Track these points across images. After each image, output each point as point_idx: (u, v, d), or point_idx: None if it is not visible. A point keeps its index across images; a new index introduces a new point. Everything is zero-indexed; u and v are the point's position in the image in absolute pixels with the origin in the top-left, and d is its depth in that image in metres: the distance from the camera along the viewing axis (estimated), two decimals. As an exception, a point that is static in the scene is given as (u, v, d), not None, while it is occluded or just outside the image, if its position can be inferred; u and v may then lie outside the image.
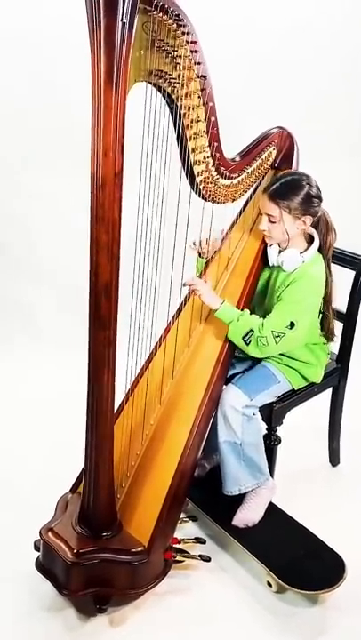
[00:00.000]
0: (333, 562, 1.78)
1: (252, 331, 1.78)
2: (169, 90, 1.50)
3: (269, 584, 1.80)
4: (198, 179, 1.70)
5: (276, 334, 1.78)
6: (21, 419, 2.58)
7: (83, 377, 1.58)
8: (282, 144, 2.01)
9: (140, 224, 1.56)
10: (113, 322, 1.50)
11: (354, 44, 3.20)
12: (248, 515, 1.90)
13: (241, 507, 1.91)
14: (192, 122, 1.60)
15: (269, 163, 2.01)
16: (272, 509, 1.96)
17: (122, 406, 1.88)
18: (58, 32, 2.97)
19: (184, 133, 1.59)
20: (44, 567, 1.72)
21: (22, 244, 3.36)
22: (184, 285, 1.83)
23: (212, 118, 1.64)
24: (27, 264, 3.35)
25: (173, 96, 1.52)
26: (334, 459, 2.35)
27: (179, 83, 1.50)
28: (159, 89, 1.49)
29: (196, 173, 1.69)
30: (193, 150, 1.64)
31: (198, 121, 1.61)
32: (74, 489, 1.87)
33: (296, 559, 1.80)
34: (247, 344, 1.80)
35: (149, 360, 1.94)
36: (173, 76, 1.48)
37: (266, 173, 2.05)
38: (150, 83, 1.46)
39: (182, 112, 1.56)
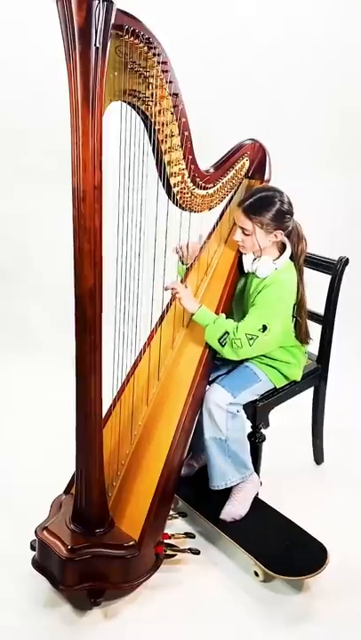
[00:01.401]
0: (316, 549, 1.87)
1: (227, 333, 1.88)
2: (143, 108, 1.61)
3: (256, 574, 1.89)
4: (175, 189, 1.82)
5: (250, 337, 1.89)
6: (15, 427, 2.67)
7: (74, 386, 1.67)
8: (254, 155, 2.14)
9: (121, 233, 1.67)
10: (98, 326, 1.60)
11: (329, 61, 3.35)
12: (235, 509, 1.98)
13: (228, 501, 2.00)
14: (166, 137, 1.71)
15: (243, 173, 2.13)
16: (258, 504, 2.05)
17: (110, 408, 1.97)
18: (45, 56, 3.10)
19: (159, 147, 1.71)
20: (40, 565, 1.80)
21: (17, 259, 3.49)
22: (166, 289, 1.93)
23: (186, 133, 1.76)
24: (21, 279, 3.47)
25: (147, 113, 1.63)
26: (318, 457, 2.44)
27: (152, 101, 1.62)
28: (133, 107, 1.60)
29: (172, 184, 1.80)
30: (169, 163, 1.75)
31: (172, 135, 1.73)
32: (67, 490, 1.95)
33: (280, 548, 1.89)
34: (223, 346, 1.90)
35: (135, 363, 2.04)
36: (147, 95, 1.60)
37: (240, 183, 2.17)
38: (125, 102, 1.58)
39: (157, 128, 1.67)
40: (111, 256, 1.66)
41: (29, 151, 3.40)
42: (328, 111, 3.42)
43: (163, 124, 1.69)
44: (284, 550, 1.88)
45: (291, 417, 2.44)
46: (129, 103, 1.59)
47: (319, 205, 2.96)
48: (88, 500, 1.76)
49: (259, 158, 2.15)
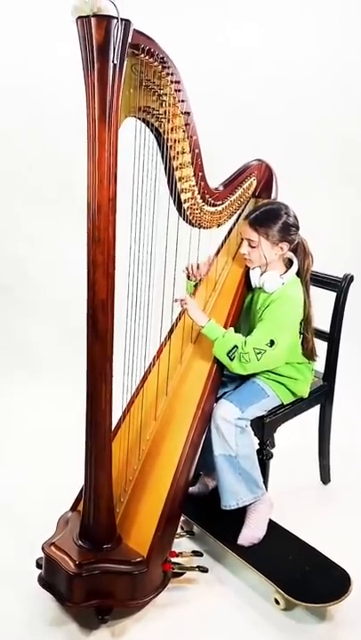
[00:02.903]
0: (338, 575, 1.85)
1: (235, 347, 1.91)
2: (156, 124, 1.67)
3: (277, 601, 1.85)
4: (185, 205, 1.87)
5: (258, 351, 1.91)
6: (18, 444, 2.67)
7: (80, 409, 1.69)
8: (261, 175, 2.20)
9: (133, 247, 1.71)
10: (110, 337, 1.63)
11: (333, 82, 3.45)
12: (252, 532, 1.98)
13: (244, 526, 1.99)
14: (178, 153, 1.77)
15: (250, 192, 2.19)
16: (272, 526, 2.04)
17: (119, 422, 1.98)
18: (56, 85, 3.21)
19: (171, 164, 1.76)
20: (46, 582, 1.79)
21: (23, 284, 3.53)
22: (175, 301, 1.97)
23: (196, 150, 1.82)
24: (27, 303, 3.51)
25: (160, 130, 1.69)
26: (325, 477, 2.44)
27: (165, 118, 1.67)
28: (147, 124, 1.66)
29: (183, 200, 1.85)
30: (180, 179, 1.81)
31: (184, 152, 1.78)
32: (73, 507, 1.95)
33: (301, 574, 1.86)
34: (231, 360, 1.92)
35: (144, 378, 2.05)
36: (160, 112, 1.66)
37: (248, 201, 2.23)
38: (139, 118, 1.63)
39: (169, 144, 1.73)
40: (122, 270, 1.69)
41: (30, 171, 3.47)
42: (333, 131, 3.50)
43: (175, 141, 1.75)
44: (304, 575, 1.86)
45: (297, 436, 2.46)
46: (143, 120, 1.65)
47: (324, 223, 3.02)
48: (96, 514, 1.75)
49: (266, 178, 2.21)
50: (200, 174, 1.86)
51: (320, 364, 2.28)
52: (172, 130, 1.72)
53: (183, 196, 1.85)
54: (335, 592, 1.80)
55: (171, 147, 1.74)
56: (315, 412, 2.32)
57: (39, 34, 3.25)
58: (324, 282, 2.26)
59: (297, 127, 3.45)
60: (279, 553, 1.95)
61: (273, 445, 2.21)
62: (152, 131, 1.69)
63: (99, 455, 1.71)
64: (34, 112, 3.39)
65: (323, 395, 2.29)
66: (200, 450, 1.94)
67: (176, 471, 1.84)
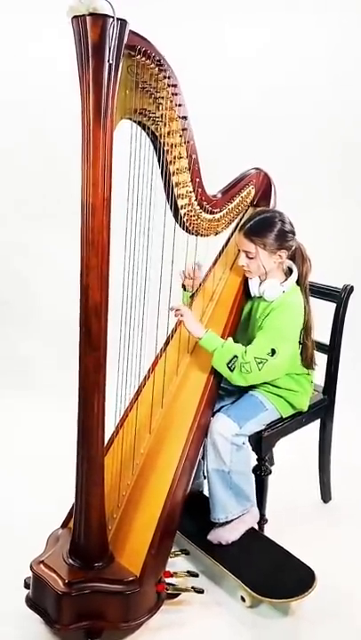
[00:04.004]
0: (304, 573, 1.85)
1: (235, 357, 1.87)
2: (153, 127, 1.65)
3: (243, 599, 1.86)
4: (182, 211, 1.84)
5: (259, 360, 1.87)
6: (12, 463, 2.60)
7: (72, 421, 1.65)
8: (260, 184, 2.18)
9: (128, 253, 1.68)
10: (103, 344, 1.59)
11: (333, 92, 3.46)
12: (224, 533, 1.95)
13: (222, 525, 1.96)
14: (175, 158, 1.75)
15: (249, 200, 2.17)
16: (263, 540, 2.00)
17: (112, 436, 1.93)
18: (54, 98, 3.20)
19: (168, 169, 1.74)
20: (34, 603, 1.72)
21: (21, 300, 3.50)
22: (171, 309, 1.93)
23: (194, 156, 1.80)
24: (25, 319, 3.48)
25: (157, 134, 1.67)
26: (326, 495, 2.38)
27: (161, 121, 1.65)
28: (143, 127, 1.64)
29: (180, 206, 1.82)
30: (177, 185, 1.78)
31: (181, 157, 1.76)
32: (64, 524, 1.89)
33: (267, 572, 1.87)
34: (231, 370, 1.88)
35: (139, 389, 2.01)
36: (157, 115, 1.64)
37: (246, 210, 2.20)
38: (135, 121, 1.61)
39: (166, 149, 1.71)
40: (117, 277, 1.66)
41: (30, 189, 3.46)
42: (333, 140, 3.50)
43: (172, 146, 1.73)
44: (270, 574, 1.86)
45: (297, 452, 2.42)
46: (139, 123, 1.63)
47: (323, 234, 2.99)
48: (87, 531, 1.70)
49: (264, 187, 2.20)
50: (197, 180, 1.84)
51: (320, 377, 2.24)
52: (168, 134, 1.70)
53: (180, 202, 1.82)
54: (298, 588, 1.81)
55: (167, 151, 1.72)
56: (315, 426, 2.26)
57: (35, 45, 3.26)
58: (323, 293, 2.23)
59: (297, 136, 3.45)
60: (251, 554, 1.94)
61: (272, 462, 2.16)
62: (148, 134, 1.67)
63: (90, 469, 1.65)
64: (33, 126, 3.39)
65: (323, 409, 2.24)
66: (196, 464, 1.89)
67: (171, 486, 1.79)
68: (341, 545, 2.15)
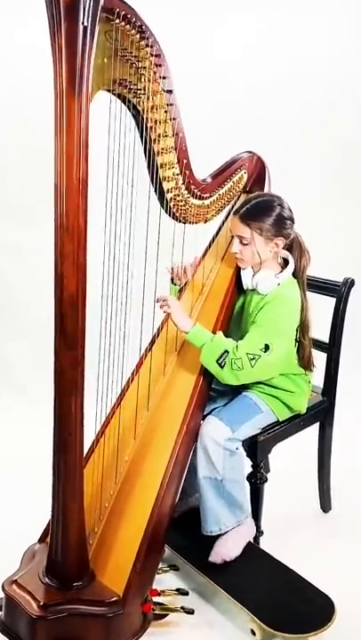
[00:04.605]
0: (322, 602, 1.69)
1: (226, 352, 1.74)
2: (134, 101, 1.53)
3: (253, 632, 1.68)
4: (168, 196, 1.71)
5: (252, 356, 1.75)
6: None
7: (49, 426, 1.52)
8: (253, 168, 2.06)
9: (108, 242, 1.56)
10: (80, 340, 1.46)
11: (333, 87, 3.35)
12: (225, 549, 1.81)
13: (218, 542, 1.82)
14: (160, 136, 1.62)
15: (241, 186, 2.04)
16: (255, 552, 1.87)
17: (93, 443, 1.80)
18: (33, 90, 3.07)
19: (151, 148, 1.61)
20: (5, 627, 1.59)
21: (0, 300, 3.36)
22: (157, 301, 1.80)
23: (180, 134, 1.67)
24: (5, 320, 3.34)
25: (139, 108, 1.55)
26: (325, 504, 2.27)
27: (144, 94, 1.53)
28: (124, 100, 1.51)
29: (165, 190, 1.70)
30: (162, 166, 1.66)
31: (166, 136, 1.64)
32: (42, 539, 1.76)
33: (281, 602, 1.71)
34: (221, 367, 1.75)
35: (122, 391, 1.88)
36: (139, 88, 1.51)
37: (238, 196, 2.08)
38: (114, 93, 1.49)
39: (149, 125, 1.58)
40: (96, 268, 1.53)
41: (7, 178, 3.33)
42: (332, 132, 3.40)
43: (156, 122, 1.60)
44: (285, 604, 1.70)
45: (294, 458, 2.30)
46: (119, 96, 1.50)
47: (321, 225, 2.87)
48: (65, 547, 1.57)
49: (257, 172, 2.07)
50: (185, 161, 1.71)
51: (319, 378, 2.12)
52: (152, 109, 1.58)
53: (166, 186, 1.70)
54: (318, 620, 1.64)
55: (151, 128, 1.59)
56: (313, 430, 2.14)
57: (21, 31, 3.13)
58: (322, 287, 2.12)
59: (294, 129, 3.33)
60: (259, 579, 1.79)
61: (268, 470, 2.04)
62: (129, 108, 1.54)
63: (68, 479, 1.52)
64: (13, 116, 3.25)
65: (322, 411, 2.12)
66: (185, 470, 1.76)
67: (158, 495, 1.66)
68: (344, 560, 2.03)
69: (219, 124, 3.14)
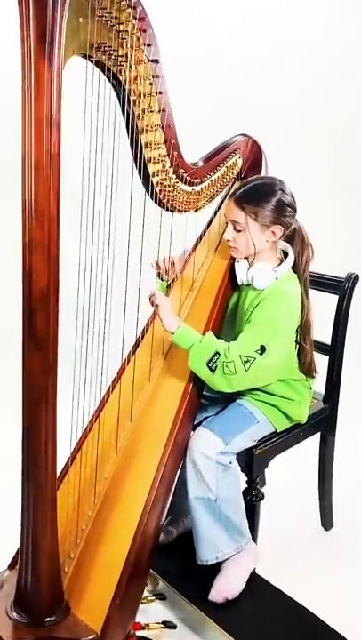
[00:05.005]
0: None
1: (217, 354, 1.58)
2: (115, 70, 1.36)
3: None
4: (154, 180, 1.55)
5: (246, 359, 1.58)
6: None
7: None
8: (248, 153, 1.91)
9: (84, 232, 1.40)
10: (52, 341, 1.29)
11: (331, 70, 3.22)
12: (227, 586, 1.64)
13: (218, 577, 1.65)
14: (144, 112, 1.46)
15: (235, 172, 1.89)
16: (256, 582, 1.71)
17: (68, 459, 1.63)
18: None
19: (135, 124, 1.45)
20: (-32, 670, 1.41)
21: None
22: (151, 297, 1.65)
23: (168, 110, 1.51)
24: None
25: (120, 78, 1.38)
26: (327, 521, 2.12)
27: (126, 62, 1.37)
28: (103, 69, 1.35)
29: (150, 173, 1.54)
30: (146, 145, 1.49)
31: (151, 111, 1.48)
32: (12, 565, 1.59)
33: None
34: (212, 371, 1.59)
35: (102, 401, 1.71)
36: (120, 54, 1.35)
37: (232, 184, 1.92)
38: (92, 60, 1.32)
39: (132, 99, 1.42)
40: (71, 260, 1.38)
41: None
42: (331, 119, 3.27)
43: (140, 96, 1.44)
44: None
45: (293, 470, 2.16)
46: (97, 63, 1.34)
47: (321, 216, 2.72)
48: (36, 578, 1.39)
49: (253, 157, 1.92)
50: (173, 142, 1.55)
51: (320, 384, 1.97)
52: (135, 79, 1.42)
53: (151, 168, 1.53)
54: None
55: (134, 102, 1.43)
56: (314, 440, 1.99)
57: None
58: (323, 283, 1.97)
59: (291, 114, 3.20)
60: (263, 615, 1.63)
61: (263, 483, 1.88)
62: (109, 78, 1.38)
63: (39, 501, 1.35)
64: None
65: (323, 420, 1.97)
66: (173, 489, 1.59)
67: (142, 517, 1.50)
68: (349, 583, 1.88)
69: (210, 108, 3.00)
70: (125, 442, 1.63)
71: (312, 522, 2.13)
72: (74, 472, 1.58)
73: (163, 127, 1.52)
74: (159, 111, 1.50)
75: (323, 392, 2.01)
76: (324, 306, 1.94)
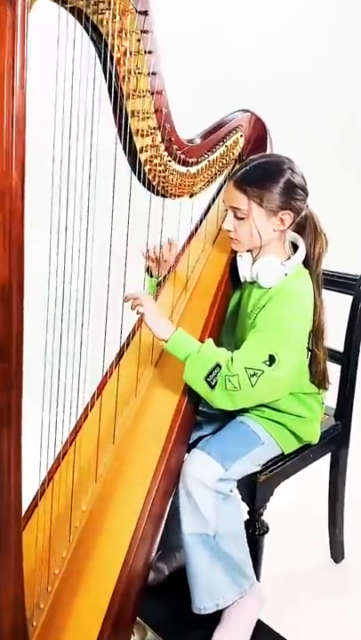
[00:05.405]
0: None
1: (218, 367, 1.36)
2: (94, 19, 1.15)
3: None
4: (142, 157, 1.33)
5: (252, 372, 1.36)
6: None
7: None
8: (251, 130, 1.69)
9: (56, 217, 1.18)
10: (15, 349, 1.06)
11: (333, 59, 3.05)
12: (229, 637, 1.42)
13: (218, 627, 1.43)
14: (130, 73, 1.24)
15: (236, 152, 1.67)
16: (262, 630, 1.49)
17: (37, 493, 1.40)
18: None
19: (119, 88, 1.23)
20: None
21: None
22: (125, 300, 1.42)
23: (159, 74, 1.29)
24: None
25: (102, 30, 1.17)
26: (338, 552, 1.92)
27: (109, 10, 1.15)
28: (80, 18, 1.13)
29: (138, 149, 1.32)
30: (133, 114, 1.28)
31: (139, 73, 1.26)
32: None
33: None
34: (212, 387, 1.37)
35: (79, 421, 1.48)
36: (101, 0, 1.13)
37: (233, 166, 1.70)
38: (65, 6, 1.10)
39: (115, 56, 1.20)
40: (41, 247, 1.17)
41: None
42: (333, 105, 3.10)
43: (125, 54, 1.22)
44: None
45: (298, 495, 1.96)
46: (73, 10, 1.12)
47: (332, 208, 2.53)
48: (-3, 634, 1.17)
49: (256, 135, 1.71)
50: (165, 112, 1.33)
51: (331, 396, 1.76)
52: (120, 34, 1.20)
53: (139, 143, 1.32)
54: None
55: (119, 60, 1.21)
56: (323, 460, 1.78)
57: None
58: (335, 282, 1.77)
59: (290, 100, 3.00)
60: None
61: (266, 502, 1.66)
62: (88, 30, 1.16)
63: (0, 544, 1.13)
64: None
65: (335, 438, 1.77)
66: (163, 523, 1.37)
67: (127, 555, 1.28)
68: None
69: (208, 87, 2.81)
70: (107, 468, 1.40)
71: (320, 553, 1.93)
72: (44, 507, 1.35)
73: (153, 94, 1.30)
74: (149, 74, 1.28)
75: (334, 406, 1.80)
76: (335, 307, 1.73)
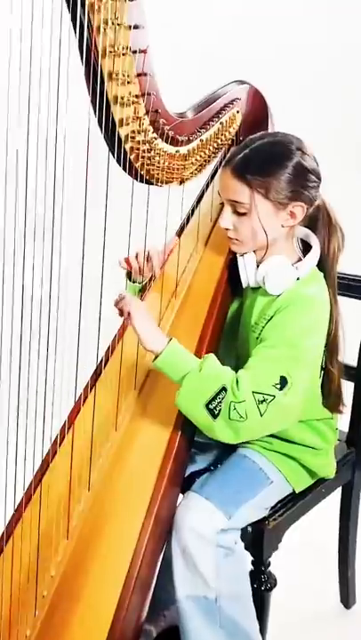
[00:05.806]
0: None
1: (224, 390, 1.12)
2: None
3: None
4: (122, 132, 1.08)
5: (261, 398, 1.12)
6: None
7: None
8: (249, 106, 1.45)
9: (20, 210, 0.95)
10: None
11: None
12: None
13: None
14: (106, 23, 0.98)
15: (232, 131, 1.43)
16: None
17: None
18: None
19: (92, 40, 0.98)
20: None
21: None
22: (116, 305, 1.18)
23: (143, 27, 1.05)
24: None
25: None
26: (349, 597, 1.70)
27: None
28: None
29: (117, 121, 1.07)
30: (110, 78, 1.02)
31: (118, 25, 1.00)
32: None
33: None
34: (214, 417, 1.12)
35: (45, 459, 1.22)
36: None
37: (228, 148, 1.46)
38: None
39: (88, 1, 0.95)
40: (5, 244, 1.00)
41: None
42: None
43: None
44: None
45: (304, 532, 1.71)
46: None
47: (342, 201, 2.37)
48: None
49: (256, 110, 1.47)
50: (149, 76, 1.08)
51: (343, 420, 1.54)
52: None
53: (118, 114, 1.07)
54: None
55: (92, 6, 0.96)
56: (334, 493, 1.56)
57: None
58: (347, 285, 1.54)
59: (294, 75, 2.85)
60: None
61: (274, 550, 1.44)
62: None
63: None
64: None
65: (348, 467, 1.54)
66: (151, 589, 1.13)
67: (112, 630, 1.02)
68: None
69: (201, 59, 2.64)
70: (81, 521, 1.15)
71: (329, 597, 1.71)
72: (4, 571, 1.09)
73: (135, 52, 1.05)
74: (130, 28, 1.03)
75: (346, 430, 1.58)
76: (348, 315, 1.52)
